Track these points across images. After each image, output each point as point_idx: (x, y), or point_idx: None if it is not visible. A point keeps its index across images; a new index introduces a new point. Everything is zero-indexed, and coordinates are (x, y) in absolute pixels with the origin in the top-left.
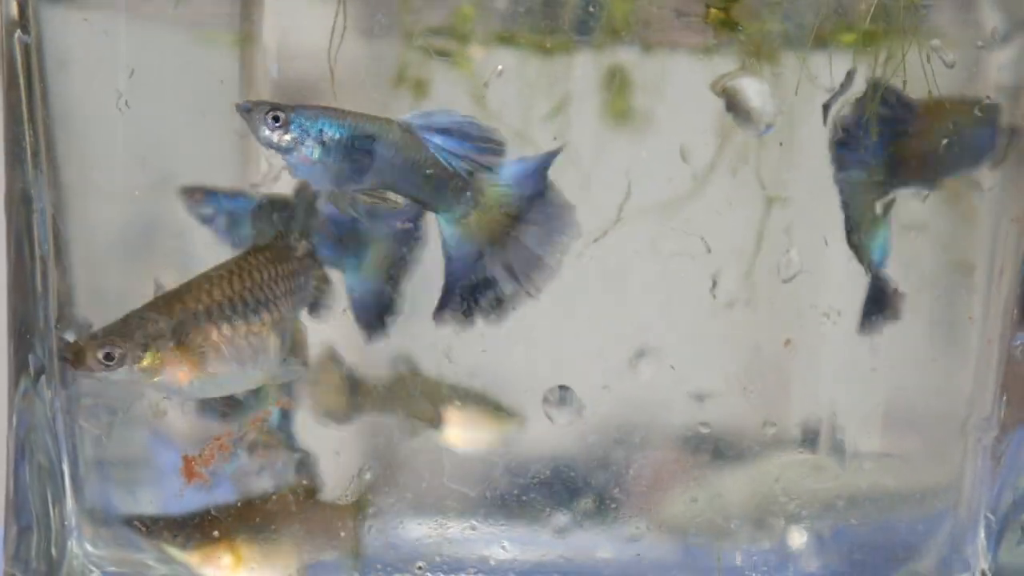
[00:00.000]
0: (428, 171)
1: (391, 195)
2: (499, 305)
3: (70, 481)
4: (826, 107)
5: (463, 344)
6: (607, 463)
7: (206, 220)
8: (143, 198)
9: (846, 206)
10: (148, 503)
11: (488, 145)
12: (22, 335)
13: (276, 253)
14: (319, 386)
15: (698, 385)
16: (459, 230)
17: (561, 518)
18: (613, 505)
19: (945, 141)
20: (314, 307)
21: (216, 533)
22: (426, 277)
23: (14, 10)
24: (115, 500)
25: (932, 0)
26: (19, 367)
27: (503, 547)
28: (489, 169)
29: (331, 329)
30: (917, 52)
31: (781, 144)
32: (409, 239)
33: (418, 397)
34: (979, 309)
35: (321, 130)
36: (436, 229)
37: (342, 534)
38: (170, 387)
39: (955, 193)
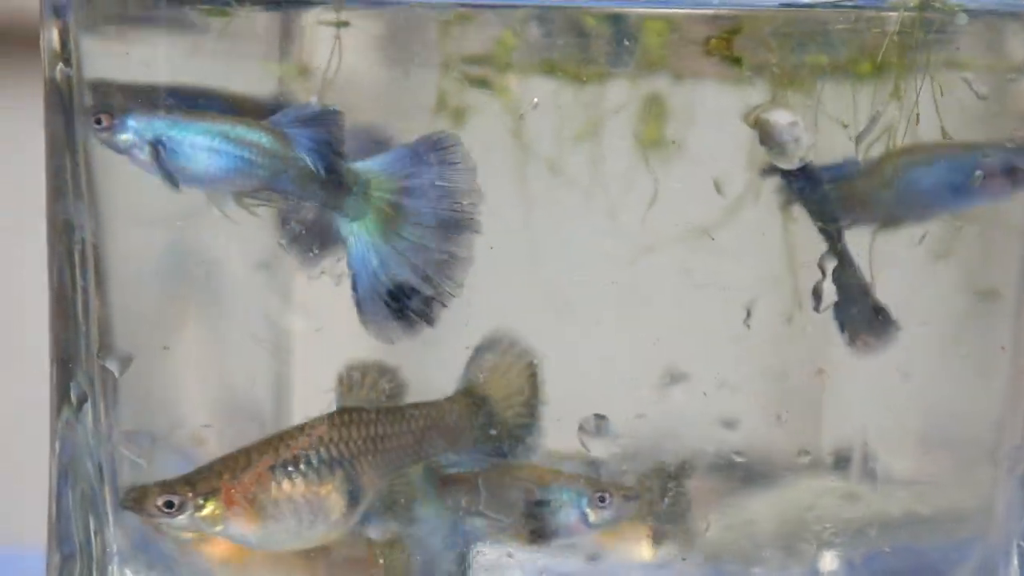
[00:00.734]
0: (303, 169)
1: (277, 197)
2: (428, 306)
3: (111, 508)
4: (858, 139)
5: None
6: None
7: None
8: (182, 227)
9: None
10: None
11: (358, 135)
12: (64, 363)
13: (363, 415)
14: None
15: (732, 413)
16: (357, 230)
17: (592, 544)
18: (645, 531)
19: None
20: None
21: None
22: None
23: (56, 43)
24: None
25: (958, 30)
26: (61, 395)
27: (539, 574)
28: (365, 161)
29: None
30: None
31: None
32: None
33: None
34: (1010, 338)
35: (156, 132)
36: None
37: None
38: (233, 537)
39: (986, 222)
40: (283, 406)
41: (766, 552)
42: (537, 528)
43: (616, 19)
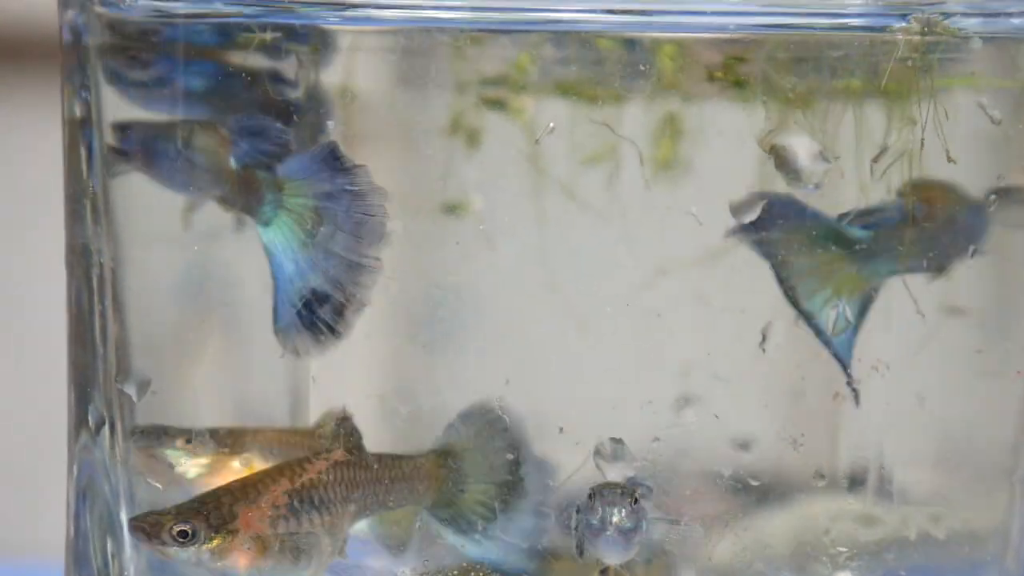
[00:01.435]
0: (220, 173)
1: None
2: (340, 314)
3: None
4: (874, 161)
5: (512, 394)
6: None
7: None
8: (200, 250)
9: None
10: None
11: (265, 134)
12: (82, 387)
13: (351, 462)
14: None
15: (747, 435)
16: (271, 235)
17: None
18: (662, 554)
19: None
20: None
21: None
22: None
23: (74, 68)
24: None
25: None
26: (80, 419)
27: None
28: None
29: None
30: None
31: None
32: None
33: None
34: None
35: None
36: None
37: None
38: (228, 573)
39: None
40: (301, 425)
41: (782, 575)
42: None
43: (630, 43)
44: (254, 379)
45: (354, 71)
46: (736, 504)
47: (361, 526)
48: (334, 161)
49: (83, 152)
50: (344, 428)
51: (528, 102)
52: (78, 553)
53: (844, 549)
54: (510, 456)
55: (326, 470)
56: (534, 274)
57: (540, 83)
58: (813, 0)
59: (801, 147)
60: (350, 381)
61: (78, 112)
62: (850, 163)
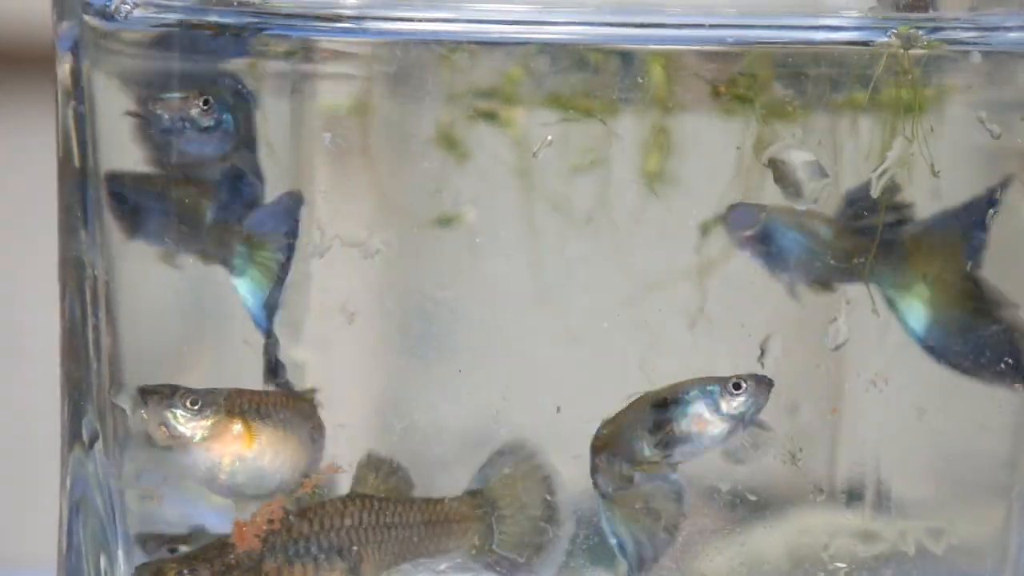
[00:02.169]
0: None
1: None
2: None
3: (122, 545)
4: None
5: (510, 408)
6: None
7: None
8: (192, 263)
9: None
10: None
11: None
12: (75, 401)
13: (372, 502)
14: None
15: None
16: (246, 288)
17: None
18: (660, 570)
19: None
20: None
21: None
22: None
23: (68, 81)
24: None
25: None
26: (73, 432)
27: None
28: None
29: None
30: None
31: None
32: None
33: None
34: None
35: None
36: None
37: None
38: None
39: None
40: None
41: None
42: (664, 434)
43: (623, 55)
44: None
45: (345, 85)
46: (734, 519)
47: None
48: (298, 211)
49: (76, 165)
50: (381, 471)
51: (520, 114)
52: (70, 568)
53: (842, 564)
54: (548, 496)
55: (341, 513)
56: (530, 287)
57: (532, 95)
58: (805, 11)
59: (799, 161)
60: (344, 396)
61: (72, 124)
62: (850, 178)
